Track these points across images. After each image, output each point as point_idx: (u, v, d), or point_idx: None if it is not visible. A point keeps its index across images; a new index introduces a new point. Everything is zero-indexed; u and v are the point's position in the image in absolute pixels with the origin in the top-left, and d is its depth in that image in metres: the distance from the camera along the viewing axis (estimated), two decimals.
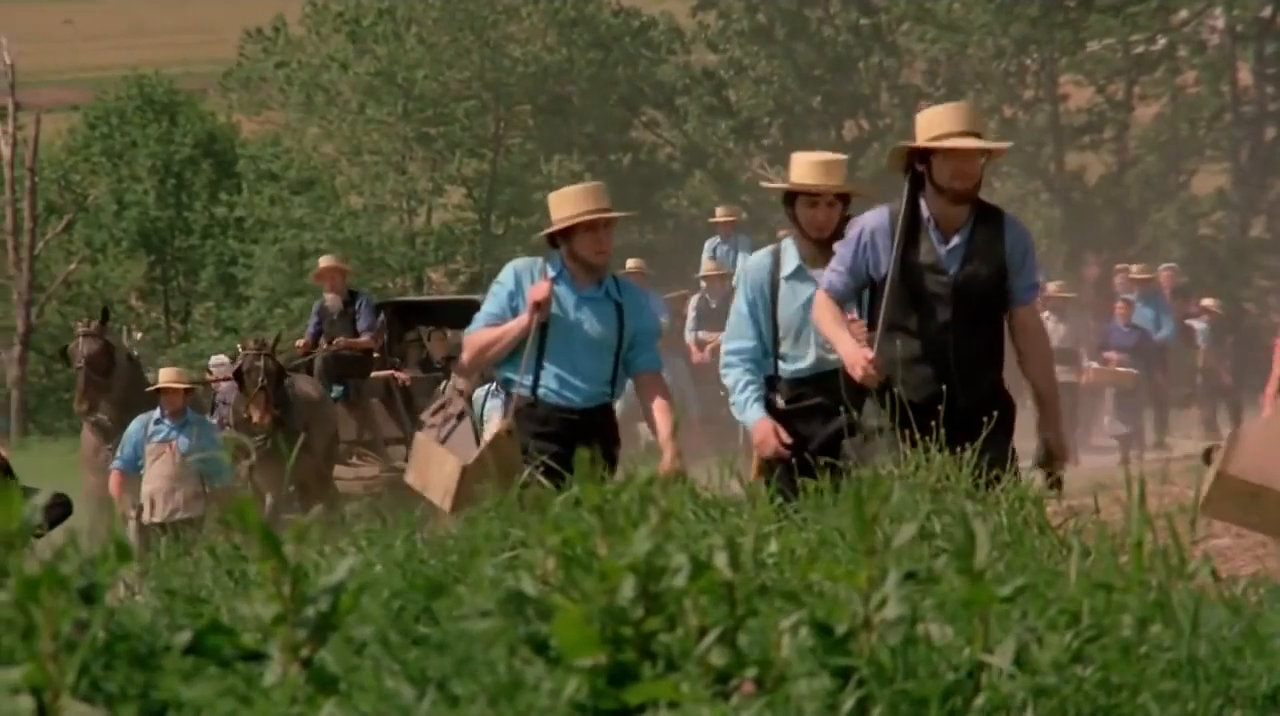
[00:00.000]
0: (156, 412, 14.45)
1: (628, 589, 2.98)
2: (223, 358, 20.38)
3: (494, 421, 15.52)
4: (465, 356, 8.27)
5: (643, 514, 3.03)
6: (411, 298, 26.69)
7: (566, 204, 8.20)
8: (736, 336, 8.00)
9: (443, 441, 8.17)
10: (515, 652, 3.02)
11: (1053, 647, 3.17)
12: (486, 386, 17.49)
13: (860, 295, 7.50)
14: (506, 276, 8.21)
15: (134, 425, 14.38)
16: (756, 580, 3.14)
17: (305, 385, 16.44)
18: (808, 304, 7.72)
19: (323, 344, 17.14)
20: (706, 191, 34.48)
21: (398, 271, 33.93)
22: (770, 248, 8.18)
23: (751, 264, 8.14)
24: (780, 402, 7.86)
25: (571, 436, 7.70)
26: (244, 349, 16.56)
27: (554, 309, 8.03)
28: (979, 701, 3.08)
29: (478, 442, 8.12)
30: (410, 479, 8.11)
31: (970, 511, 3.27)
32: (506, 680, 2.97)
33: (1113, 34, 33.11)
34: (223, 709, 2.87)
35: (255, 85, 35.13)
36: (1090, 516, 5.26)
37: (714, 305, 19.52)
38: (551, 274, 8.10)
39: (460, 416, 8.29)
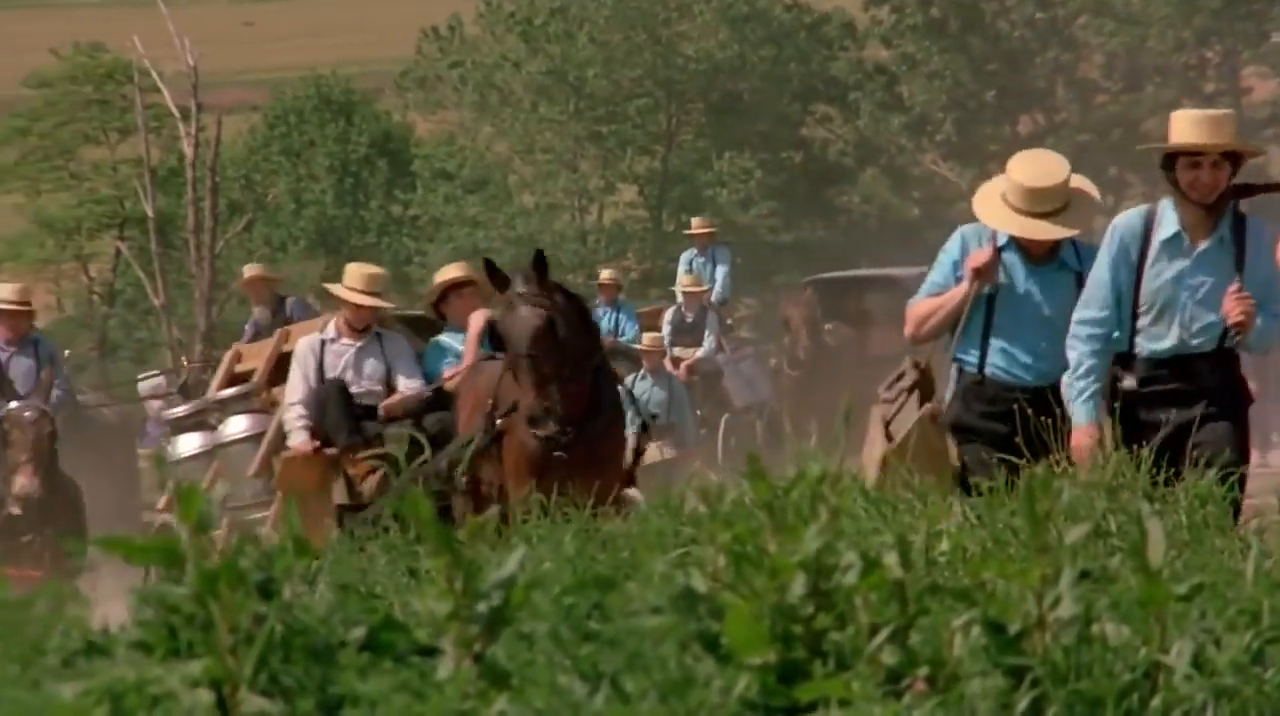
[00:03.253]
0: None
1: (798, 586, 2.97)
2: (157, 378, 19.64)
3: None
4: (907, 329, 7.64)
5: (813, 511, 3.03)
6: (413, 312, 25.60)
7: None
8: (1090, 304, 7.18)
9: (892, 417, 7.51)
10: (686, 649, 3.02)
11: (1232, 648, 3.12)
12: None
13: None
14: (953, 243, 7.56)
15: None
16: (928, 578, 3.12)
17: None
18: (1179, 278, 7.08)
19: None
20: (879, 188, 34.32)
21: (569, 269, 34.09)
22: (1144, 207, 7.36)
23: (1121, 223, 7.27)
24: (1131, 383, 7.12)
25: (1020, 417, 6.98)
26: (188, 363, 16.09)
27: (1002, 279, 7.38)
28: (1155, 702, 3.04)
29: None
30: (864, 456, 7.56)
31: (1146, 510, 3.23)
32: (677, 676, 2.97)
33: None
34: (397, 703, 2.90)
35: (430, 85, 35.47)
36: (1273, 516, 5.17)
37: (690, 319, 19.07)
38: (1000, 242, 7.41)
39: (912, 389, 7.56)
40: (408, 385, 11.16)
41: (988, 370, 7.38)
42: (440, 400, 10.92)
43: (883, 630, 2.99)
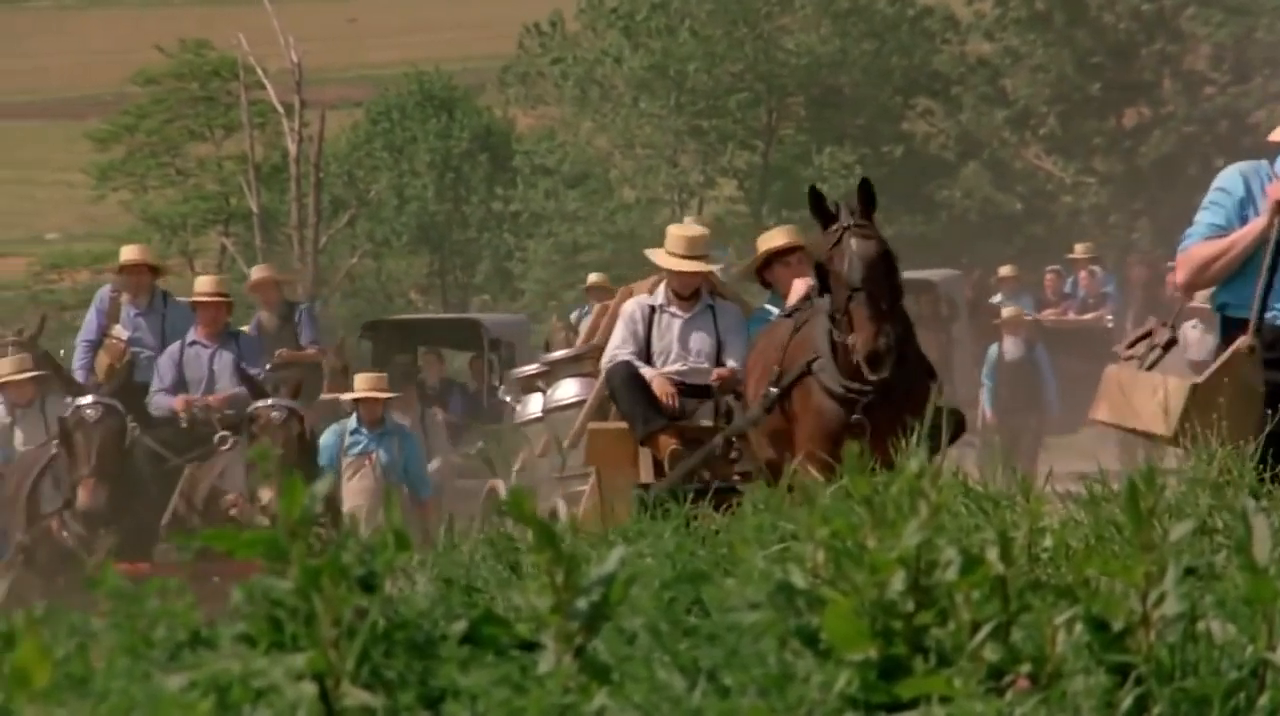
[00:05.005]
0: (352, 421, 13.40)
1: (898, 582, 2.96)
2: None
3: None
4: (1181, 276, 7.17)
5: (913, 507, 3.02)
6: (405, 317, 24.77)
7: None
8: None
9: (1153, 365, 7.09)
10: (785, 645, 3.01)
11: None
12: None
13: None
14: (1232, 182, 6.96)
15: (328, 435, 13.18)
16: (1030, 575, 3.10)
17: None
18: None
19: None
20: (980, 182, 34.11)
21: None
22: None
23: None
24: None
25: None
26: None
27: None
28: (1263, 701, 3.01)
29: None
30: (1101, 414, 7.20)
31: (1251, 506, 3.20)
32: (777, 672, 2.97)
33: None
34: (498, 697, 2.91)
35: (532, 80, 35.58)
36: None
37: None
38: None
39: (1168, 346, 7.16)
40: (732, 359, 10.06)
41: (1269, 314, 6.85)
42: None
43: (984, 626, 2.97)
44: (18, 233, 47.01)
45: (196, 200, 35.51)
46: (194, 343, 12.66)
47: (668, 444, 9.79)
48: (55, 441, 12.32)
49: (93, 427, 11.76)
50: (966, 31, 34.76)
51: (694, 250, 10.32)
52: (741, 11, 33.36)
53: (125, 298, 13.19)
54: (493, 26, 43.70)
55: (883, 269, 8.55)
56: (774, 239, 10.50)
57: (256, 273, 16.37)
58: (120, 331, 12.95)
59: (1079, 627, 3.00)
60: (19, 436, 14.00)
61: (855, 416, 8.38)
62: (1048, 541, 3.99)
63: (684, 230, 10.63)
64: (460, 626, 3.01)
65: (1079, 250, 22.20)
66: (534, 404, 12.30)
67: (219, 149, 35.66)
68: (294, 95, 32.92)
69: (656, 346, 10.14)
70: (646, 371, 10.02)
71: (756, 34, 33.45)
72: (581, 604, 2.96)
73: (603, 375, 10.38)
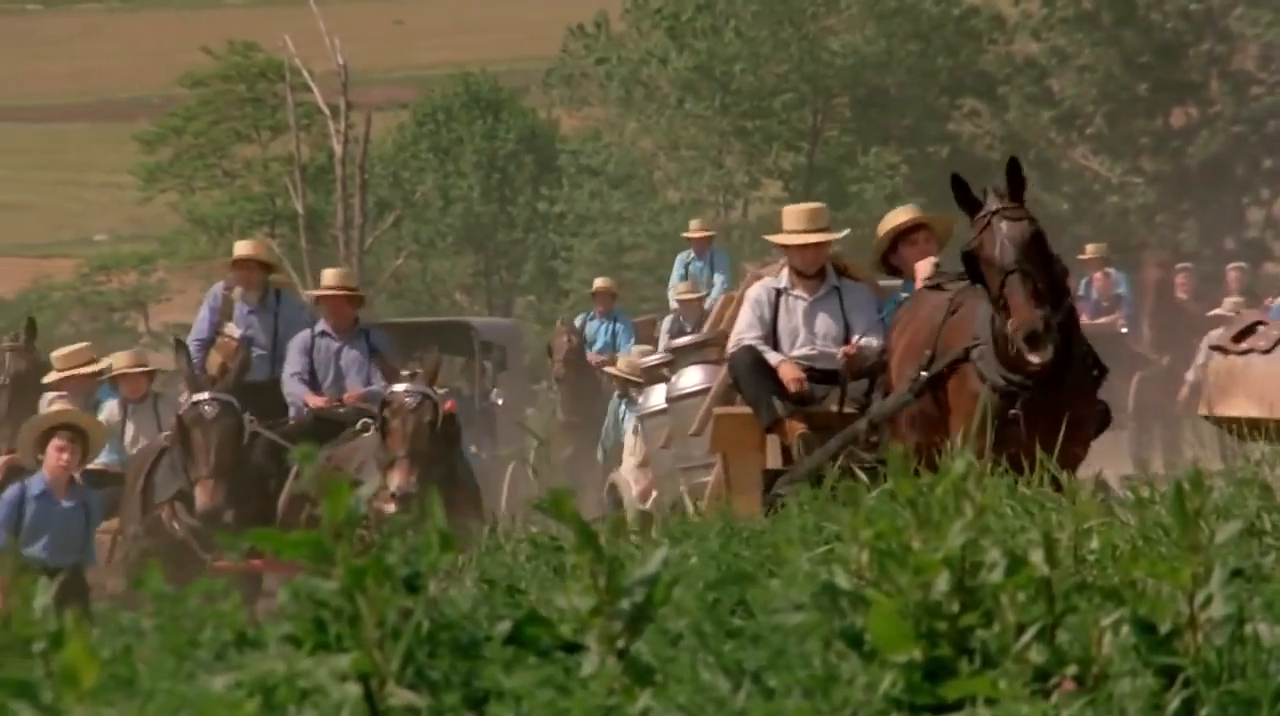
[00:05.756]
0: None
1: (943, 583, 2.96)
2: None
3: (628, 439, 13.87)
4: None
5: (958, 507, 3.01)
6: (398, 319, 24.39)
7: None
8: None
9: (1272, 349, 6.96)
10: (830, 646, 3.01)
11: None
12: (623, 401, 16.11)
13: None
14: None
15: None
16: (1076, 576, 3.09)
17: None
18: None
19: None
20: (1027, 182, 33.99)
21: None
22: None
23: None
24: None
25: None
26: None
27: None
28: None
29: None
30: (1230, 410, 7.04)
31: None
32: (821, 673, 2.96)
33: None
34: (542, 698, 2.92)
35: (576, 81, 35.61)
36: None
37: (688, 330, 16.71)
38: None
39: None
40: (861, 340, 9.60)
41: None
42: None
43: (1029, 628, 2.96)
44: (66, 234, 47.29)
45: (243, 201, 35.64)
46: (323, 333, 12.25)
47: (795, 428, 9.29)
48: (168, 434, 11.95)
49: (210, 425, 11.41)
50: (1013, 31, 34.65)
51: (813, 223, 9.90)
52: (787, 12, 33.32)
53: (237, 295, 12.73)
54: (538, 28, 43.75)
55: (1036, 249, 8.18)
56: (897, 218, 10.02)
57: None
58: (233, 329, 12.51)
59: (1125, 629, 2.98)
60: (130, 432, 13.57)
61: (1013, 411, 7.93)
62: (1093, 542, 3.98)
63: (799, 207, 10.24)
64: (504, 627, 3.01)
65: (1090, 251, 21.23)
66: (656, 396, 11.95)
67: (265, 150, 35.80)
68: (340, 97, 33.00)
69: (783, 330, 9.66)
70: (772, 356, 9.58)
71: (802, 35, 33.41)
72: (625, 605, 2.96)
73: (727, 362, 9.94)
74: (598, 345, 19.03)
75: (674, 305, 18.17)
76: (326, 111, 33.26)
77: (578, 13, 36.52)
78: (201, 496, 11.37)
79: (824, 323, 9.67)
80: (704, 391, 10.58)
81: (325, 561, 2.94)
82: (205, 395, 11.56)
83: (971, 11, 34.62)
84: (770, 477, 9.18)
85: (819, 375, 9.52)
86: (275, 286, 13.25)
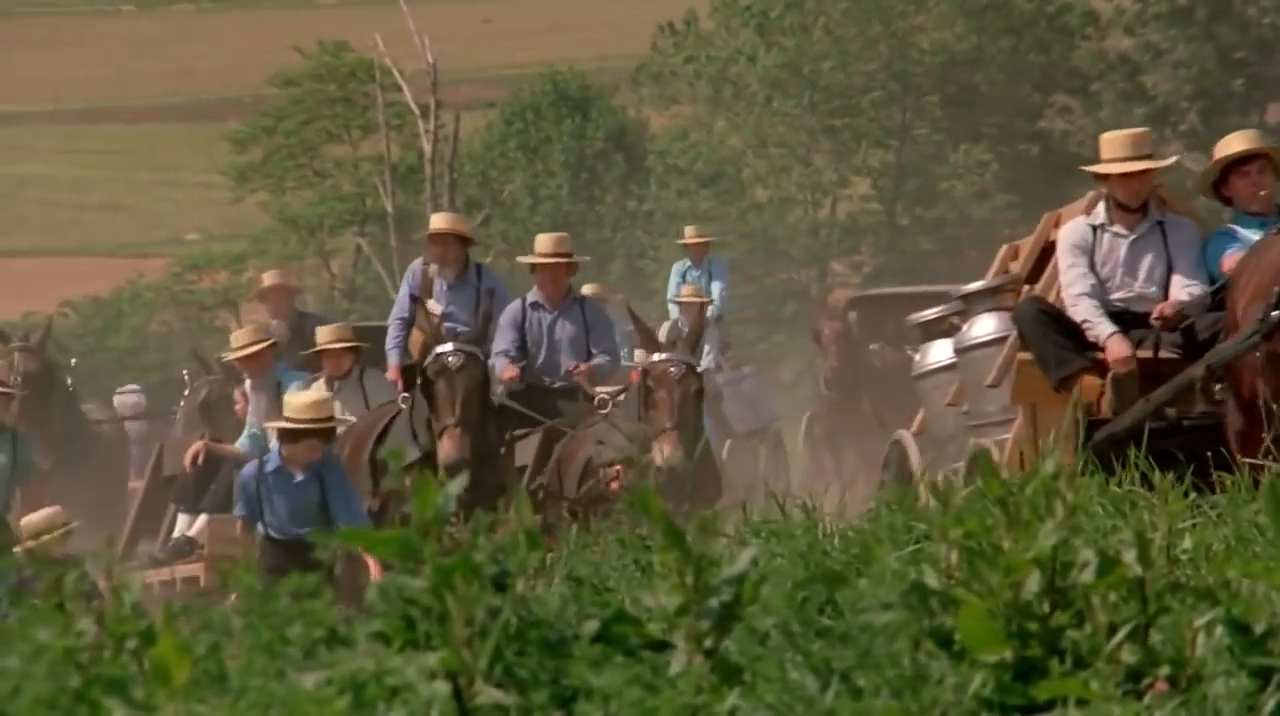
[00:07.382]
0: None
1: (1033, 583, 2.94)
2: (135, 394, 18.07)
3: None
4: None
5: (1048, 507, 2.98)
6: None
7: None
8: None
9: None
10: (919, 646, 2.99)
11: None
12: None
13: None
14: None
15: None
16: (1169, 577, 3.06)
17: None
18: None
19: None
20: None
21: (801, 263, 34.04)
22: None
23: None
24: None
25: None
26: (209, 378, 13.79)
27: None
28: None
29: None
30: None
31: None
32: (910, 673, 2.95)
33: None
34: (630, 697, 2.91)
35: (665, 80, 35.63)
36: None
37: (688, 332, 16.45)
38: None
39: None
40: (1183, 285, 8.63)
41: None
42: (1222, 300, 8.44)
43: (1122, 629, 2.94)
44: (159, 234, 47.68)
45: (333, 201, 35.84)
46: (535, 304, 11.78)
47: (1093, 385, 8.32)
48: (400, 399, 11.29)
49: (455, 375, 10.71)
50: (1106, 27, 34.39)
51: (1137, 150, 8.95)
52: (876, 9, 33.21)
53: (434, 272, 12.18)
54: (627, 26, 43.77)
55: None
56: (1230, 145, 9.12)
57: (267, 278, 15.14)
58: (434, 306, 11.87)
59: (1219, 630, 2.95)
60: (337, 409, 12.97)
61: None
62: (1187, 542, 3.94)
63: (1121, 131, 9.27)
64: (592, 626, 3.01)
65: None
66: (937, 351, 11.00)
67: (355, 150, 35.98)
68: (429, 96, 33.14)
69: (1101, 272, 8.65)
70: (1103, 328, 8.49)
71: (891, 32, 33.29)
72: (712, 604, 2.95)
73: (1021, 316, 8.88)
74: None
75: (673, 313, 17.76)
76: (416, 111, 33.40)
77: (666, 11, 36.52)
78: (448, 445, 10.64)
79: (1148, 262, 8.70)
80: (1000, 340, 9.54)
81: (414, 559, 2.95)
82: (450, 346, 10.89)
83: (1064, 7, 34.39)
84: (1091, 426, 8.19)
85: (1133, 318, 8.58)
86: (476, 261, 12.59)
